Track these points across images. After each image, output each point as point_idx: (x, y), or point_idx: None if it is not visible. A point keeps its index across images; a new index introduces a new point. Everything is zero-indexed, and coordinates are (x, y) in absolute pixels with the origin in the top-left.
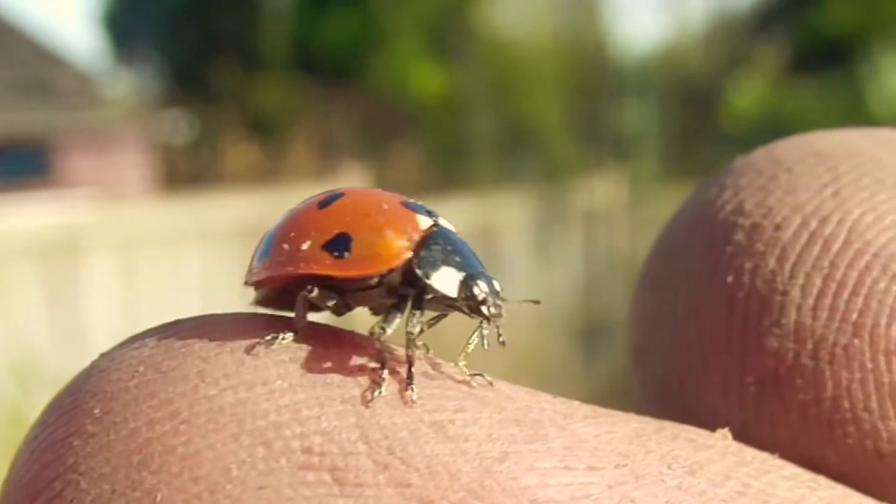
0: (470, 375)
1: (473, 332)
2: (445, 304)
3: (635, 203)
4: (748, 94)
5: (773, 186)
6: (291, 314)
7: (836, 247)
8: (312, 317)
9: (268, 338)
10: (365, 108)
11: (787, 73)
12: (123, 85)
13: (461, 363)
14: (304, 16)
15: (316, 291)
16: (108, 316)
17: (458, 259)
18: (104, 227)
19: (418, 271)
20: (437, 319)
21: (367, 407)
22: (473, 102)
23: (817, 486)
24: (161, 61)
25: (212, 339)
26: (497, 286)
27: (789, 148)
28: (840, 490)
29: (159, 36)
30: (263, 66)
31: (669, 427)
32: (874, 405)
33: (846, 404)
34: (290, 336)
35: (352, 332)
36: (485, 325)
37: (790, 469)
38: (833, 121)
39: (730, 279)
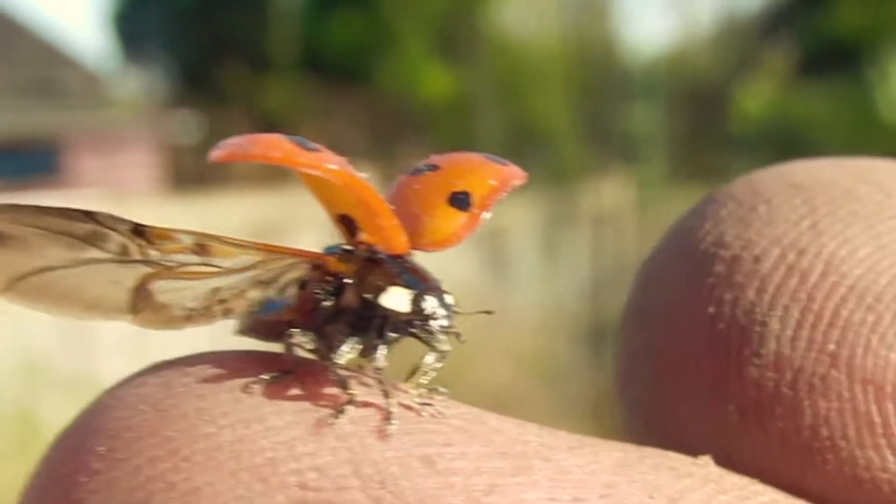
0: (420, 405)
1: (426, 356)
2: (404, 328)
3: (643, 206)
4: (757, 96)
5: (753, 218)
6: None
7: (813, 279)
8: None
9: (264, 376)
10: (373, 109)
11: (795, 75)
12: (132, 85)
13: (415, 390)
14: (312, 17)
15: (295, 335)
16: None
17: (407, 277)
18: None
19: (366, 295)
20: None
21: (359, 442)
22: (481, 104)
23: None
24: (169, 62)
25: (210, 378)
26: (449, 300)
27: (768, 179)
28: None
29: (167, 36)
30: (271, 67)
31: (652, 456)
32: (851, 433)
33: (824, 433)
34: (285, 374)
35: (332, 366)
36: (436, 346)
37: (769, 495)
38: (842, 124)
39: (711, 310)
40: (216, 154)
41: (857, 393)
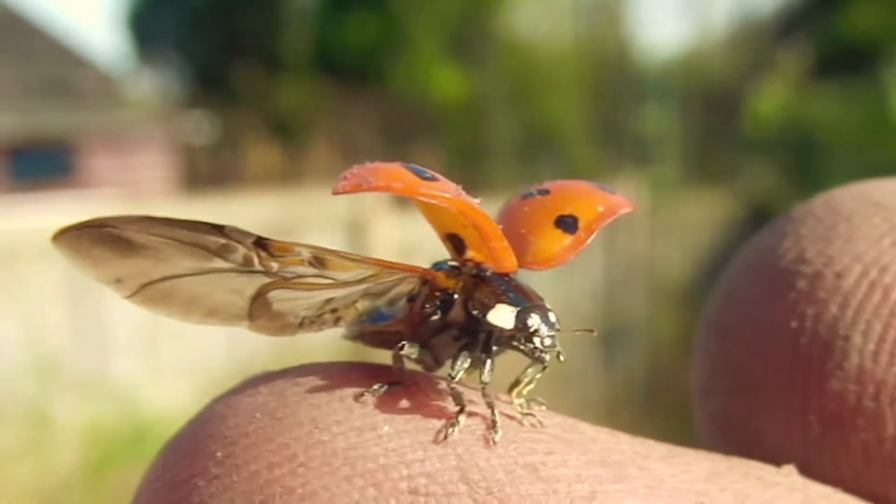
0: (522, 414)
1: (528, 368)
2: (507, 342)
3: (656, 208)
4: (770, 99)
5: (833, 236)
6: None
7: (895, 295)
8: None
9: (374, 387)
10: (386, 110)
11: (809, 78)
12: (146, 86)
13: (517, 401)
14: (325, 18)
15: (406, 347)
16: (128, 316)
17: (513, 295)
18: None
19: (474, 311)
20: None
21: (466, 450)
22: (494, 105)
23: None
24: (183, 62)
25: (321, 388)
26: (552, 318)
27: (847, 197)
28: None
29: (181, 37)
30: (285, 68)
31: (738, 465)
32: None
33: None
34: (394, 385)
35: (447, 380)
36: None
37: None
38: (856, 126)
39: (794, 324)
40: (341, 185)
41: None
